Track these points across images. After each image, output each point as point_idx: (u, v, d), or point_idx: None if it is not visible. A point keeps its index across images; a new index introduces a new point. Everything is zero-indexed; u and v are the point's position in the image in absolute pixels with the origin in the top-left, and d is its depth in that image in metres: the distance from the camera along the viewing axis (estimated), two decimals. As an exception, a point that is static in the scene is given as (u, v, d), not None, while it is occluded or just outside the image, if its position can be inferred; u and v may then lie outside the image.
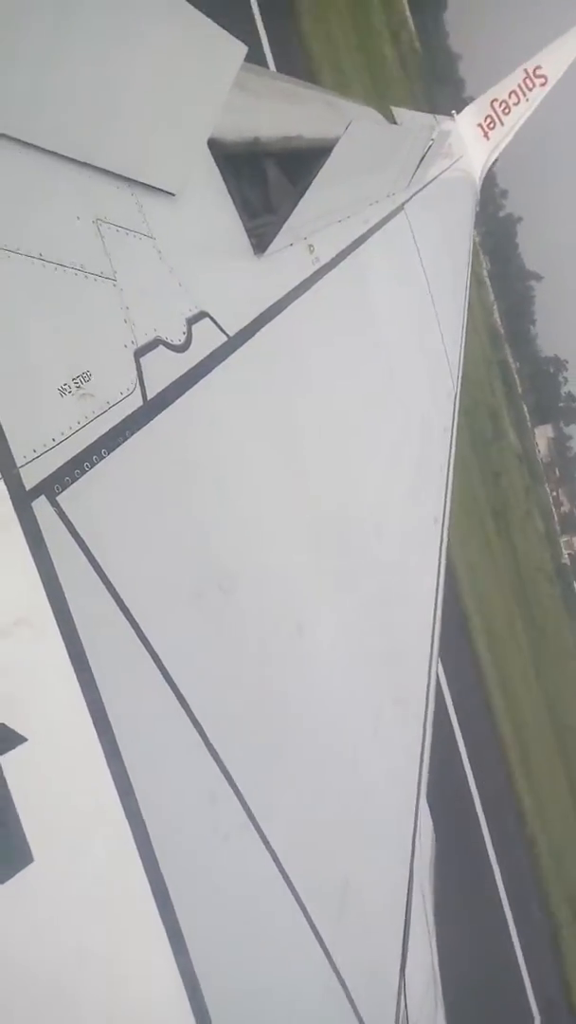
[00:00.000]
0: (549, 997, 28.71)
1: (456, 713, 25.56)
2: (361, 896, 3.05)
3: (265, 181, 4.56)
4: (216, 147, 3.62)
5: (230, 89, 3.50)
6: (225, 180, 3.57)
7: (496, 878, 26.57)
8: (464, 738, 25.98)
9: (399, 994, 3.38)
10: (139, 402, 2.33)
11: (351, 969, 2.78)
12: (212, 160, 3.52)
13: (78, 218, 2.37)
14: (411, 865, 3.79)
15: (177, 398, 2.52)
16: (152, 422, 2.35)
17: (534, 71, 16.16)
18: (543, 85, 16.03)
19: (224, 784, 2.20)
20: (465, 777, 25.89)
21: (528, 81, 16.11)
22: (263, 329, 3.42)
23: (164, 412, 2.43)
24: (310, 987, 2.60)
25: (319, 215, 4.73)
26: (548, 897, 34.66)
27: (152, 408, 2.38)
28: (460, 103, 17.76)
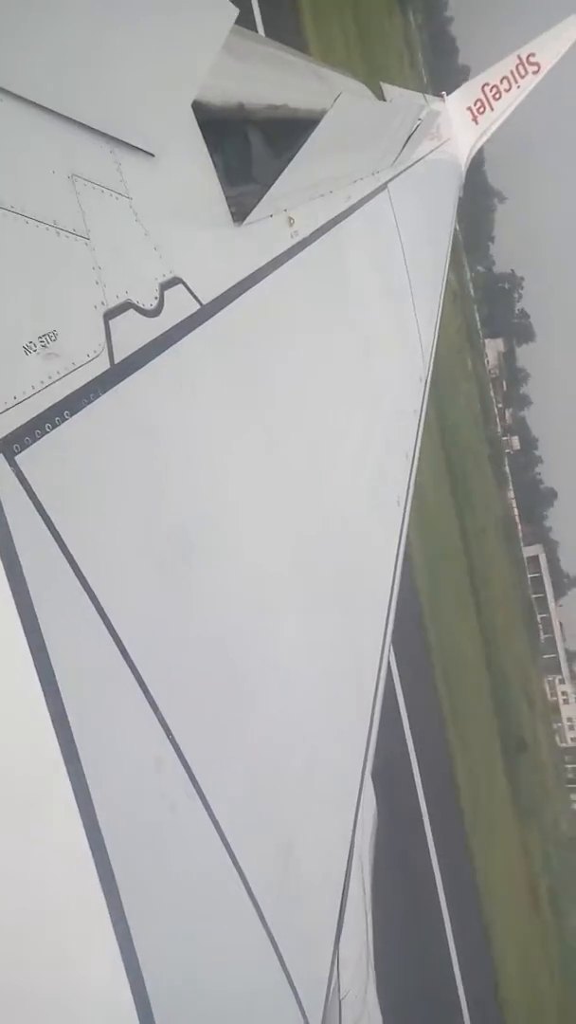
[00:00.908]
0: (477, 983, 29.77)
1: (402, 688, 26.01)
2: (301, 866, 3.10)
3: (248, 149, 4.50)
4: (201, 110, 3.55)
5: (219, 52, 3.44)
6: (208, 145, 3.50)
7: (433, 861, 27.22)
8: (409, 717, 26.48)
9: (332, 963, 3.45)
10: (106, 365, 2.30)
11: (287, 937, 2.83)
12: (196, 123, 3.45)
13: (53, 172, 2.32)
14: (352, 837, 3.85)
15: (145, 363, 2.49)
16: (118, 386, 2.32)
17: (527, 58, 16.13)
18: (535, 73, 16.01)
19: (171, 751, 2.21)
20: (408, 756, 26.39)
21: (521, 68, 16.09)
22: (238, 299, 3.38)
23: (131, 377, 2.40)
24: (245, 954, 2.65)
25: (301, 188, 4.68)
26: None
27: (119, 372, 2.35)
28: (454, 85, 17.67)
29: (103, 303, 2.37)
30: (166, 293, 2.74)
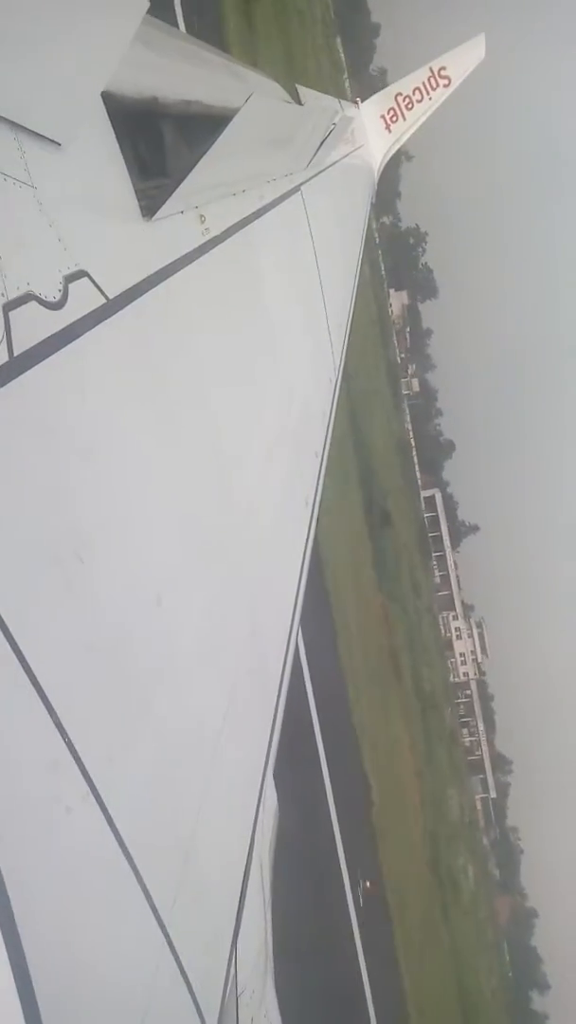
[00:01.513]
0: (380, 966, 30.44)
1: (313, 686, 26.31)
2: (200, 866, 3.09)
3: (161, 143, 4.45)
4: (111, 101, 3.49)
5: (131, 42, 3.39)
6: (117, 136, 3.45)
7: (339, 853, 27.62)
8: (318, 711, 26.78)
9: (230, 962, 3.45)
10: (4, 358, 2.23)
11: (184, 938, 2.81)
12: (106, 113, 3.39)
13: None
14: (252, 838, 3.86)
15: (46, 357, 2.43)
16: (16, 379, 2.26)
17: (439, 71, 16.52)
18: (446, 86, 16.40)
19: (66, 753, 2.16)
20: (317, 753, 26.67)
21: (432, 80, 16.46)
22: (145, 295, 3.34)
23: (31, 370, 2.34)
24: (140, 954, 2.62)
25: (213, 185, 4.66)
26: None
27: (17, 365, 2.28)
28: (372, 92, 17.93)
29: (3, 294, 2.30)
30: (70, 286, 2.68)
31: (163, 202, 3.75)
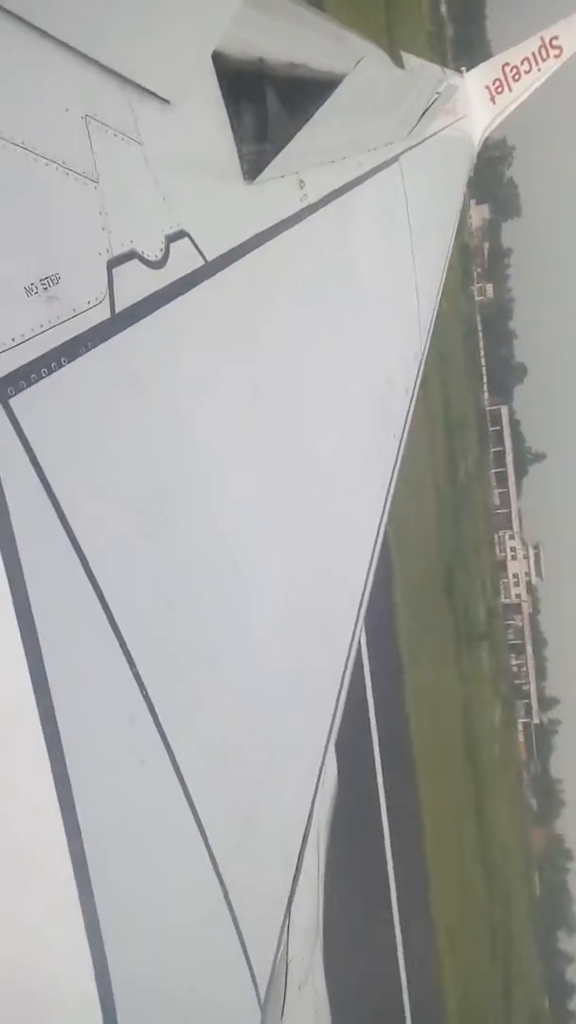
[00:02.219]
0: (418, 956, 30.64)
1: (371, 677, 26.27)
2: (261, 829, 3.13)
3: (264, 105, 4.40)
4: (220, 61, 3.46)
5: (242, 2, 3.35)
6: (224, 97, 3.42)
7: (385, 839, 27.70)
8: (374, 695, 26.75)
9: (283, 927, 3.51)
10: (106, 314, 2.26)
11: (242, 898, 2.86)
12: (214, 74, 3.37)
13: (67, 110, 2.25)
14: (312, 804, 3.89)
15: (146, 315, 2.44)
16: (117, 336, 2.28)
17: (551, 41, 15.88)
18: (557, 57, 15.77)
19: (144, 708, 2.21)
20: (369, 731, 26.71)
21: (543, 50, 15.84)
22: (243, 258, 3.33)
23: (130, 328, 2.35)
24: (200, 911, 2.68)
25: (314, 151, 4.60)
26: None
27: (119, 322, 2.30)
28: (477, 61, 17.38)
29: (108, 250, 2.32)
30: (172, 246, 2.68)
31: (265, 166, 3.71)
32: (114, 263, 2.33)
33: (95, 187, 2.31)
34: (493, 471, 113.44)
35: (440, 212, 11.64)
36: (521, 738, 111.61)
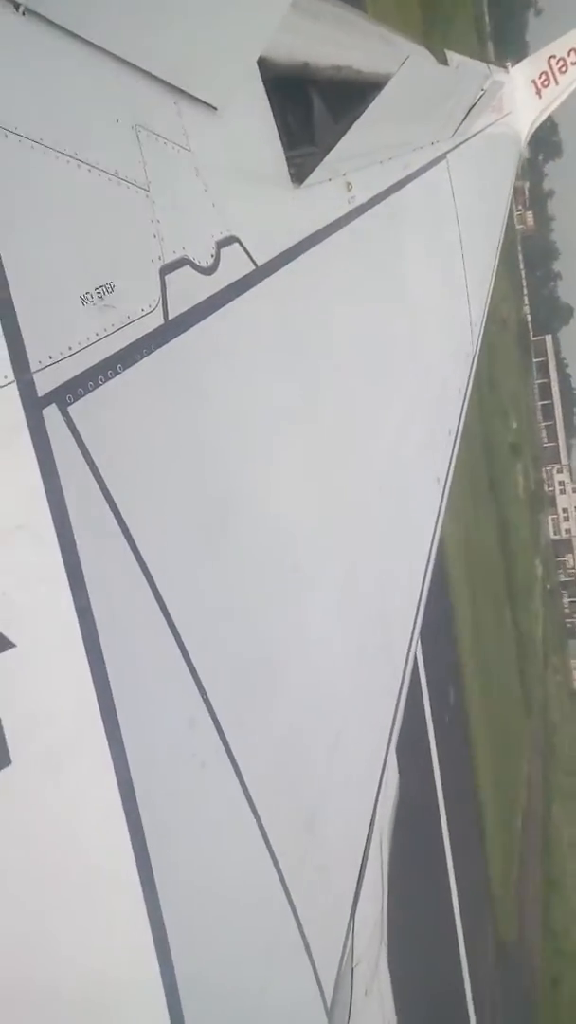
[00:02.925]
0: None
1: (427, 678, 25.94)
2: (324, 833, 3.11)
3: (310, 109, 4.40)
4: (265, 67, 3.47)
5: (288, 7, 3.36)
6: (271, 102, 3.43)
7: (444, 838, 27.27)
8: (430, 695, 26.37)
9: (347, 932, 3.48)
10: (160, 320, 2.28)
11: (306, 903, 2.85)
12: (261, 80, 3.38)
13: (118, 121, 2.28)
14: (374, 808, 3.86)
15: (198, 321, 2.46)
16: (171, 343, 2.30)
17: (599, 31, 15.54)
18: (606, 47, 15.44)
19: (204, 711, 2.21)
20: (426, 732, 26.36)
21: (591, 40, 15.51)
22: (292, 262, 3.33)
23: (184, 334, 2.37)
24: (264, 916, 2.67)
25: (361, 153, 4.58)
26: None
27: (172, 328, 2.32)
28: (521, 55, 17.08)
29: (160, 257, 2.34)
30: (222, 251, 2.70)
31: (312, 169, 3.72)
32: (166, 270, 2.35)
33: (146, 195, 2.33)
34: (539, 403, 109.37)
35: (489, 209, 11.50)
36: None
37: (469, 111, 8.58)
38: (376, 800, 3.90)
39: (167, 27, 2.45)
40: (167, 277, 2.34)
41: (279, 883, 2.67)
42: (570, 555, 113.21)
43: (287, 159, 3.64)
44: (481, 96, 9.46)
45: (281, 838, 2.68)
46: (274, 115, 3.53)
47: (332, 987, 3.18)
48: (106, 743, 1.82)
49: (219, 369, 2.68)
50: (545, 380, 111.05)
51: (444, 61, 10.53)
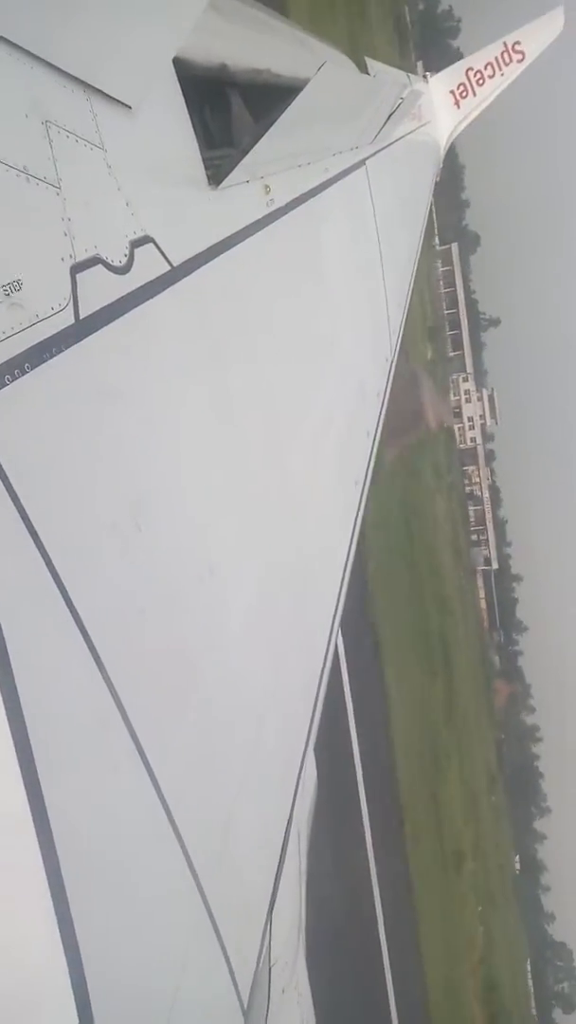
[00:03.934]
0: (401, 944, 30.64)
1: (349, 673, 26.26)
2: (241, 834, 3.12)
3: (228, 111, 4.42)
4: (182, 67, 3.47)
5: (205, 7, 3.36)
6: (187, 103, 3.42)
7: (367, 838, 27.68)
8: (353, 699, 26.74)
9: (264, 932, 3.49)
10: (70, 320, 2.25)
11: (222, 904, 2.85)
12: (176, 79, 3.37)
13: (26, 116, 2.24)
14: (291, 809, 3.89)
15: (110, 321, 2.44)
16: (81, 343, 2.27)
17: (513, 46, 16.06)
18: (520, 61, 15.95)
19: (116, 713, 2.19)
20: (349, 735, 26.69)
21: (506, 55, 16.01)
22: (209, 264, 3.33)
23: (95, 334, 2.35)
24: (179, 918, 2.66)
25: (279, 156, 4.61)
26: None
27: (83, 328, 2.29)
28: (444, 67, 17.53)
29: (71, 256, 2.31)
30: (136, 251, 2.68)
31: (229, 171, 3.72)
32: (77, 268, 2.32)
33: (57, 193, 2.30)
34: (446, 312, 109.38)
35: (407, 215, 11.72)
36: (481, 590, 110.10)
37: (388, 118, 8.72)
38: (294, 798, 3.94)
39: (79, 22, 2.42)
40: (78, 276, 2.31)
41: (194, 883, 2.66)
42: (474, 466, 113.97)
43: (204, 160, 3.63)
44: (400, 104, 9.63)
45: (196, 838, 2.67)
46: (191, 115, 3.52)
47: (249, 987, 3.19)
48: (12, 747, 1.79)
49: (133, 369, 2.66)
50: (451, 289, 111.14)
51: (364, 68, 10.69)
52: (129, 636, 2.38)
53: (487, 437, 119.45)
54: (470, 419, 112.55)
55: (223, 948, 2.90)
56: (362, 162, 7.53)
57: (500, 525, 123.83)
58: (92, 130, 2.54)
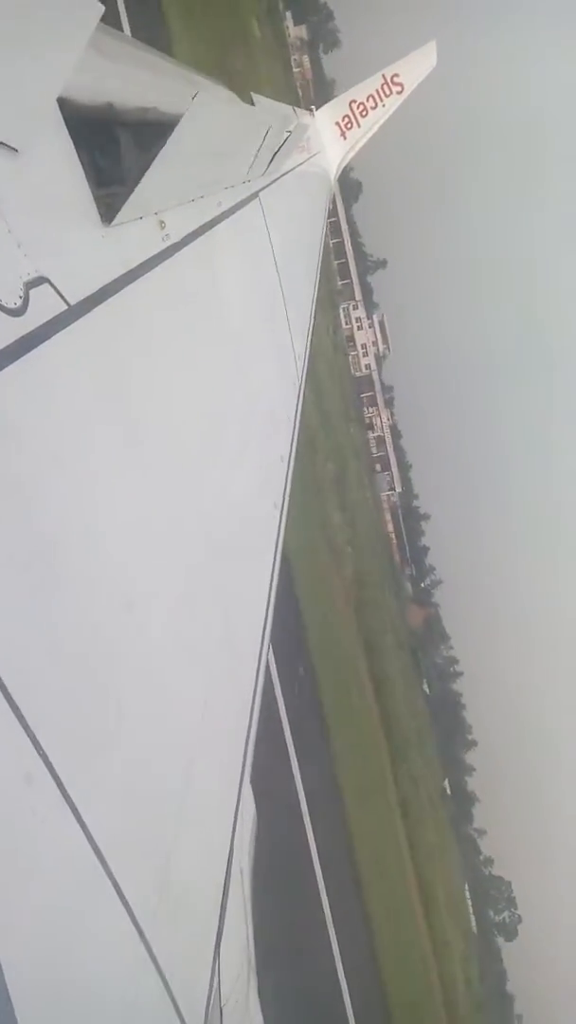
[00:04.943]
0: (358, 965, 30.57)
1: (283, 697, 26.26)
2: (180, 875, 3.06)
3: (118, 149, 4.43)
4: (67, 107, 3.46)
5: (85, 48, 3.36)
6: (75, 142, 3.42)
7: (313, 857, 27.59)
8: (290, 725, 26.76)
9: (213, 972, 3.42)
10: None
11: (166, 949, 2.78)
12: (62, 120, 3.37)
13: None
14: (231, 844, 3.84)
15: (8, 364, 2.40)
16: None
17: (392, 78, 16.68)
18: (399, 93, 16.58)
19: (40, 765, 2.13)
20: (289, 761, 26.64)
21: (386, 87, 16.61)
22: (107, 301, 3.32)
23: None
24: (122, 969, 2.59)
25: (171, 191, 4.65)
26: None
27: None
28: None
29: None
30: (31, 292, 2.65)
31: (121, 208, 3.73)
32: None
33: None
34: (331, 240, 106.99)
35: (304, 243, 11.96)
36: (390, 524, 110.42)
37: (277, 151, 8.91)
38: (233, 832, 3.89)
39: None
40: None
41: (135, 932, 2.60)
42: (371, 392, 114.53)
43: (97, 198, 3.63)
44: (288, 137, 9.85)
45: (134, 883, 2.61)
46: (80, 155, 3.52)
47: None
48: None
49: (35, 411, 2.62)
50: (334, 219, 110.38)
51: (251, 102, 10.89)
52: (49, 683, 2.32)
53: (381, 363, 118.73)
54: (363, 346, 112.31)
55: (170, 994, 2.83)
56: (255, 194, 7.67)
57: (400, 451, 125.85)
58: None
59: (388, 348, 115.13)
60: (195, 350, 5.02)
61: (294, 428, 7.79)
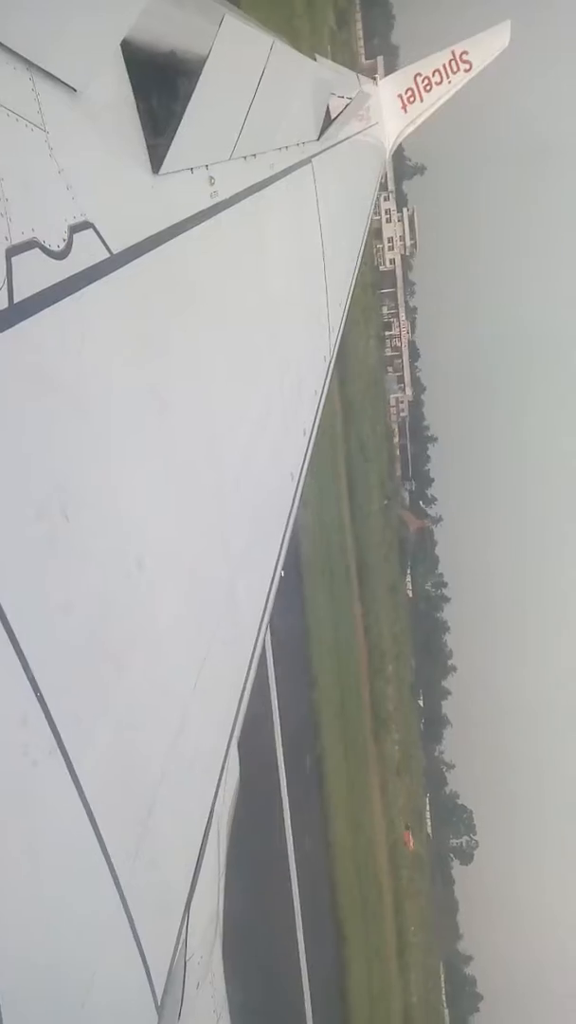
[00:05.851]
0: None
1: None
2: (160, 829, 3.10)
3: (175, 98, 4.36)
4: (130, 51, 3.41)
5: None
6: (133, 87, 3.37)
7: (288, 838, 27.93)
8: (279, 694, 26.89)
9: (181, 927, 3.48)
10: (4, 303, 2.19)
11: (139, 899, 2.83)
12: (124, 64, 3.31)
13: None
14: (213, 804, 3.88)
15: (46, 307, 2.38)
16: (15, 327, 2.22)
17: (461, 55, 16.31)
18: (467, 71, 16.21)
19: (37, 708, 2.15)
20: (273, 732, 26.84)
21: (454, 63, 16.25)
22: (150, 252, 3.29)
23: (29, 319, 2.29)
24: (94, 914, 2.63)
25: (225, 146, 4.58)
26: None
27: (17, 312, 2.24)
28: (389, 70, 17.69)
29: (7, 238, 2.25)
30: (75, 236, 2.63)
31: (174, 158, 3.68)
32: (13, 251, 2.26)
33: None
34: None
35: (351, 216, 11.79)
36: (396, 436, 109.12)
37: (336, 117, 8.76)
38: (216, 794, 3.93)
39: (26, 5, 2.36)
40: (14, 259, 2.25)
41: (110, 877, 2.64)
42: (393, 289, 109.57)
43: (149, 146, 3.58)
44: (348, 104, 9.68)
45: (114, 832, 2.65)
46: (137, 101, 3.46)
47: (163, 982, 3.18)
48: None
49: (68, 357, 2.61)
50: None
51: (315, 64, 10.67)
52: (54, 629, 2.34)
53: (407, 264, 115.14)
54: (390, 239, 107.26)
55: (138, 943, 2.88)
56: (308, 159, 7.54)
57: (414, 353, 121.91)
58: (34, 110, 2.48)
59: (416, 246, 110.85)
60: (232, 312, 4.97)
61: (319, 403, 7.73)
